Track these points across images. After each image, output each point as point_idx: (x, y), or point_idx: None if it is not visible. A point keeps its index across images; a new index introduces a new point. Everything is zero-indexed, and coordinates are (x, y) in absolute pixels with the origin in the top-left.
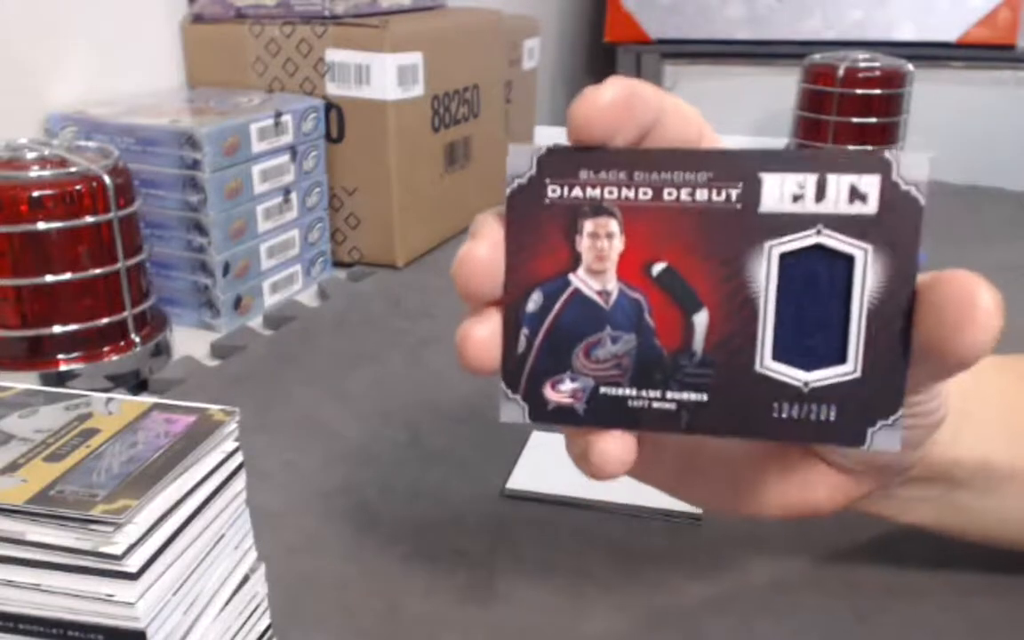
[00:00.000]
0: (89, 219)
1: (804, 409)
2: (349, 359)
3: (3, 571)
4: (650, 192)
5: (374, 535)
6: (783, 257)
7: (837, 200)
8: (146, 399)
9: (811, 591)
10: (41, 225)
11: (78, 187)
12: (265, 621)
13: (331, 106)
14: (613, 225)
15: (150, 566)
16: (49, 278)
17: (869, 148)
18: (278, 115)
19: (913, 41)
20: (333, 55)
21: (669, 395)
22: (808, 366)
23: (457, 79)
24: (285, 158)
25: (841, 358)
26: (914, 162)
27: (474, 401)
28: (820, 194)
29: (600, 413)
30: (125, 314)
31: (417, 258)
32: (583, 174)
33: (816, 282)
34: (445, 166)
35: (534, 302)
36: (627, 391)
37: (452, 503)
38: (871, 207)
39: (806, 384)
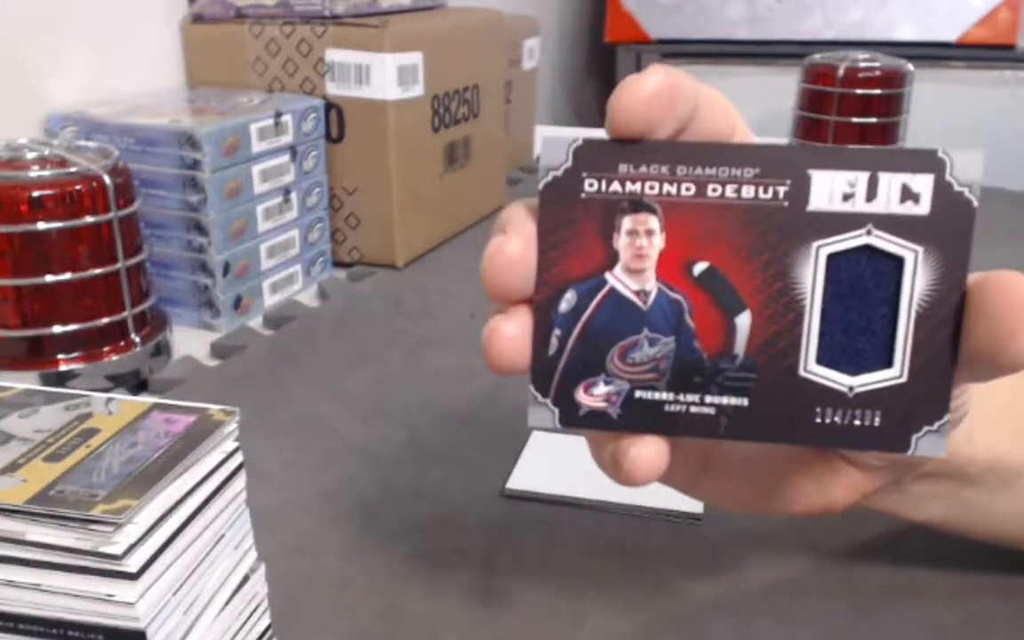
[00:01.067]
0: (89, 219)
1: (848, 414)
2: (349, 359)
3: (3, 571)
4: (693, 188)
5: (374, 535)
6: (831, 257)
7: (888, 200)
8: (146, 399)
9: (811, 591)
10: (41, 225)
11: (78, 187)
12: (265, 621)
13: (331, 106)
14: (653, 222)
15: (150, 566)
16: (49, 278)
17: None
18: (278, 115)
19: (913, 41)
20: (333, 55)
21: (708, 399)
22: (853, 371)
23: (457, 79)
24: (285, 158)
25: (887, 362)
26: (968, 161)
27: (474, 401)
28: (871, 193)
29: (635, 418)
30: (125, 314)
31: (417, 258)
32: (622, 168)
33: (864, 284)
34: (445, 166)
35: (567, 302)
36: (664, 395)
37: (452, 503)
38: (923, 208)
39: (851, 389)
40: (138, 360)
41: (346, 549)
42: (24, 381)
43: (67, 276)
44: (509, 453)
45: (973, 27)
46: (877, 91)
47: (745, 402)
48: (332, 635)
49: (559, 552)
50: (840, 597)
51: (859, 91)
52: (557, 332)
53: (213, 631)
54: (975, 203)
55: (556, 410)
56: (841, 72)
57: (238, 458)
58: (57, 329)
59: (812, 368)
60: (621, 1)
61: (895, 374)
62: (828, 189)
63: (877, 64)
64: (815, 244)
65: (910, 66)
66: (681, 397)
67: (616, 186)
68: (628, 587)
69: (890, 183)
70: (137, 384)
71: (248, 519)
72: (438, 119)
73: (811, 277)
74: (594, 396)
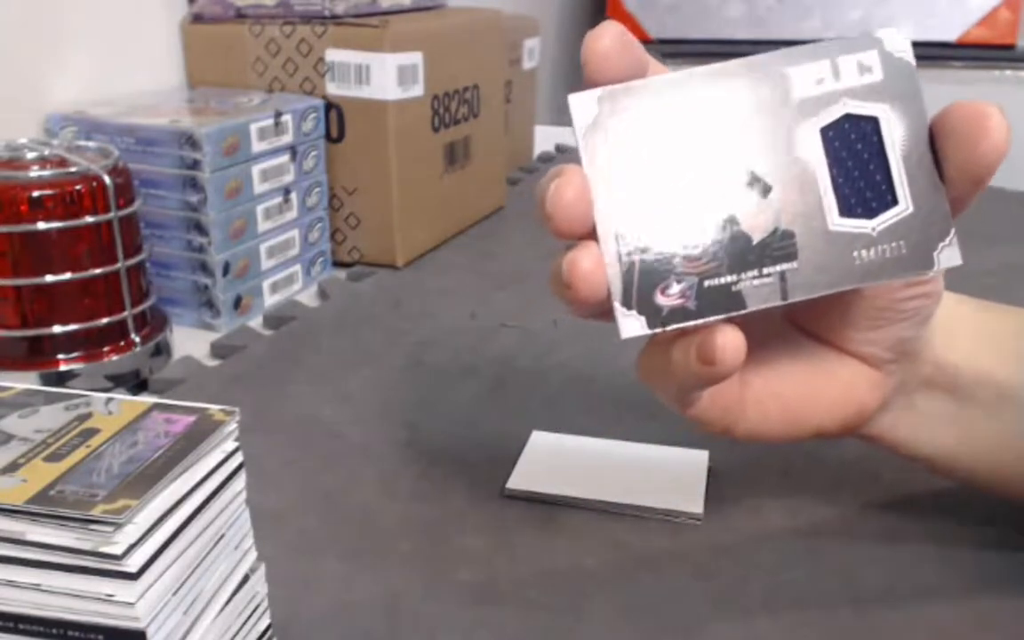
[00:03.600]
0: (89, 219)
1: (879, 250)
2: (349, 359)
3: (3, 571)
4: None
5: (374, 535)
6: (823, 131)
7: (850, 75)
8: (146, 399)
9: (811, 591)
10: (41, 225)
11: (78, 187)
12: (265, 621)
13: (331, 106)
14: None
15: (150, 566)
16: (49, 278)
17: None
18: (278, 115)
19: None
20: (333, 55)
21: (765, 270)
22: (870, 215)
23: (457, 79)
24: (285, 158)
25: (894, 201)
26: (894, 36)
27: (474, 401)
28: (836, 74)
29: (710, 303)
30: (125, 314)
31: (417, 258)
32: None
33: (854, 145)
34: (445, 166)
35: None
36: (728, 278)
37: (452, 503)
38: (877, 75)
39: (873, 229)
40: (138, 360)
41: (346, 549)
42: (24, 381)
43: (67, 276)
44: (509, 453)
45: (973, 27)
46: None
47: (795, 264)
48: (332, 635)
49: (559, 552)
50: (840, 597)
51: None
52: (625, 251)
53: (213, 631)
54: (912, 62)
55: (642, 317)
56: None
57: (238, 458)
58: (57, 329)
59: (838, 222)
60: (621, 1)
61: (903, 208)
62: (803, 79)
63: None
64: (809, 123)
65: None
66: (743, 275)
67: None
68: (628, 587)
69: (847, 63)
70: (137, 384)
71: (248, 519)
72: (438, 119)
73: (813, 150)
74: (671, 296)
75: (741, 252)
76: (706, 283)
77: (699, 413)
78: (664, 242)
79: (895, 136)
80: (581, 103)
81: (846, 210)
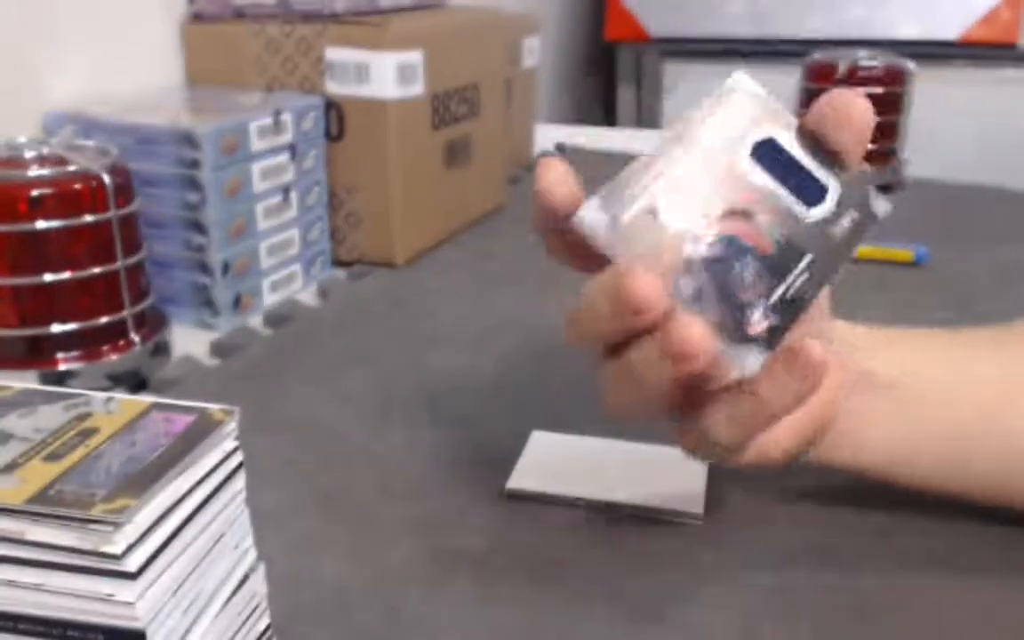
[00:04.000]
0: (88, 218)
1: (843, 223)
2: (349, 359)
3: (3, 571)
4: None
5: (374, 535)
6: (750, 158)
7: (737, 120)
8: (145, 399)
9: (811, 590)
10: (40, 224)
11: (77, 186)
12: (265, 621)
13: (331, 105)
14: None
15: (150, 566)
16: (48, 277)
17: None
18: (278, 114)
19: (914, 40)
20: (333, 54)
21: (795, 271)
22: (822, 200)
23: (457, 77)
24: (284, 157)
25: (825, 186)
26: (743, 79)
27: (474, 401)
28: (725, 123)
29: (786, 312)
30: (124, 313)
31: (417, 257)
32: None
33: (775, 158)
34: (445, 165)
35: (687, 288)
36: (781, 289)
37: (452, 503)
38: (751, 111)
39: (831, 210)
40: (137, 359)
41: (346, 549)
42: (23, 380)
43: (66, 275)
44: (509, 453)
45: (974, 26)
46: (878, 89)
47: (811, 255)
48: (332, 635)
49: (559, 552)
50: (840, 597)
51: (860, 89)
52: (698, 308)
53: (213, 631)
54: (763, 92)
55: (753, 348)
56: (842, 70)
57: (238, 458)
58: (56, 328)
59: (809, 214)
60: None
61: (835, 187)
62: (711, 134)
63: (878, 63)
64: (740, 156)
65: (911, 65)
66: (786, 280)
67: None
68: (628, 587)
69: (728, 113)
70: (136, 383)
71: (248, 519)
72: (438, 118)
73: (758, 175)
74: (758, 325)
75: (770, 266)
76: (771, 299)
77: (713, 427)
78: (723, 286)
79: (791, 142)
80: (589, 213)
81: (807, 203)
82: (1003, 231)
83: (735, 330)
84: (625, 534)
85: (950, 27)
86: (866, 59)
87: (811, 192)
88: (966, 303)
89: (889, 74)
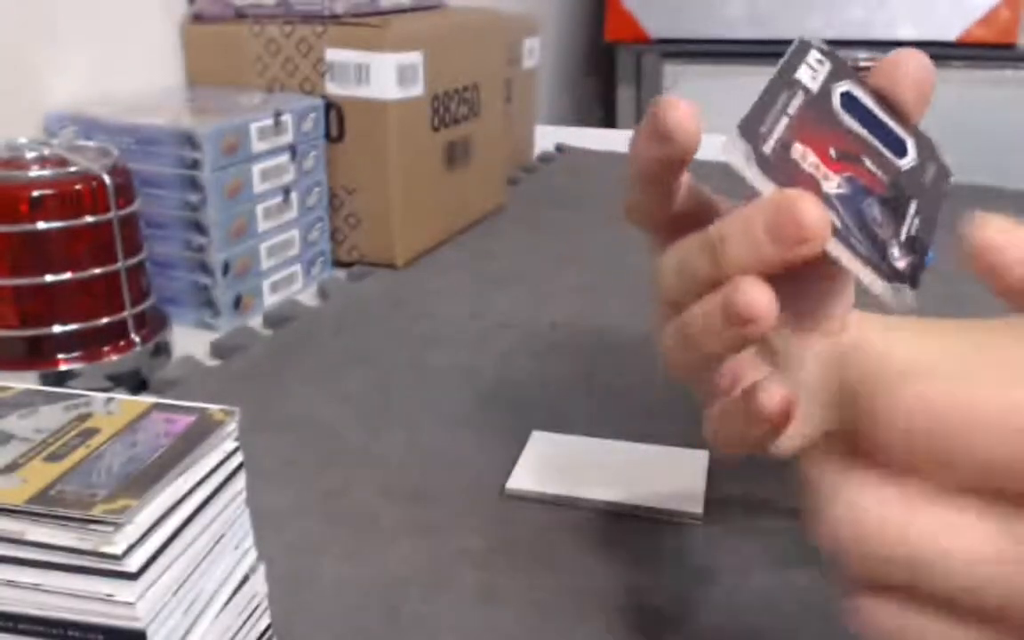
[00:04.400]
0: (89, 219)
1: (931, 170)
2: (349, 359)
3: (3, 571)
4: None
5: (374, 535)
6: (841, 103)
7: (814, 72)
8: (146, 399)
9: (812, 591)
10: (41, 225)
11: (78, 187)
12: (265, 621)
13: (331, 105)
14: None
15: (150, 566)
16: (49, 278)
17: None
18: (278, 115)
19: (914, 40)
20: (333, 54)
21: (910, 212)
22: (904, 155)
23: (457, 78)
24: (285, 158)
25: (904, 143)
26: (814, 40)
27: (474, 401)
28: (813, 73)
29: (919, 247)
30: (125, 314)
31: (417, 258)
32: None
33: (861, 111)
34: (445, 165)
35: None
36: (904, 230)
37: (452, 503)
38: (826, 67)
39: (912, 164)
40: (138, 360)
41: (346, 549)
42: (24, 381)
43: (67, 276)
44: (509, 453)
45: (973, 26)
46: None
47: (916, 200)
48: (332, 635)
49: (559, 552)
50: (841, 597)
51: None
52: (843, 242)
53: (213, 631)
54: (828, 60)
55: (901, 284)
56: None
57: (238, 458)
58: (57, 329)
59: (900, 163)
60: (621, 0)
61: (912, 141)
62: (805, 76)
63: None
64: (835, 100)
65: None
66: (907, 222)
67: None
68: (628, 587)
69: (807, 67)
70: (137, 384)
71: (248, 519)
72: (438, 119)
73: (852, 123)
74: (902, 260)
75: (891, 208)
76: (901, 239)
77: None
78: (861, 224)
79: (866, 97)
80: (734, 146)
81: (897, 154)
82: None
83: (882, 266)
84: (625, 534)
85: (949, 27)
86: (865, 60)
87: (895, 144)
88: (966, 303)
89: None
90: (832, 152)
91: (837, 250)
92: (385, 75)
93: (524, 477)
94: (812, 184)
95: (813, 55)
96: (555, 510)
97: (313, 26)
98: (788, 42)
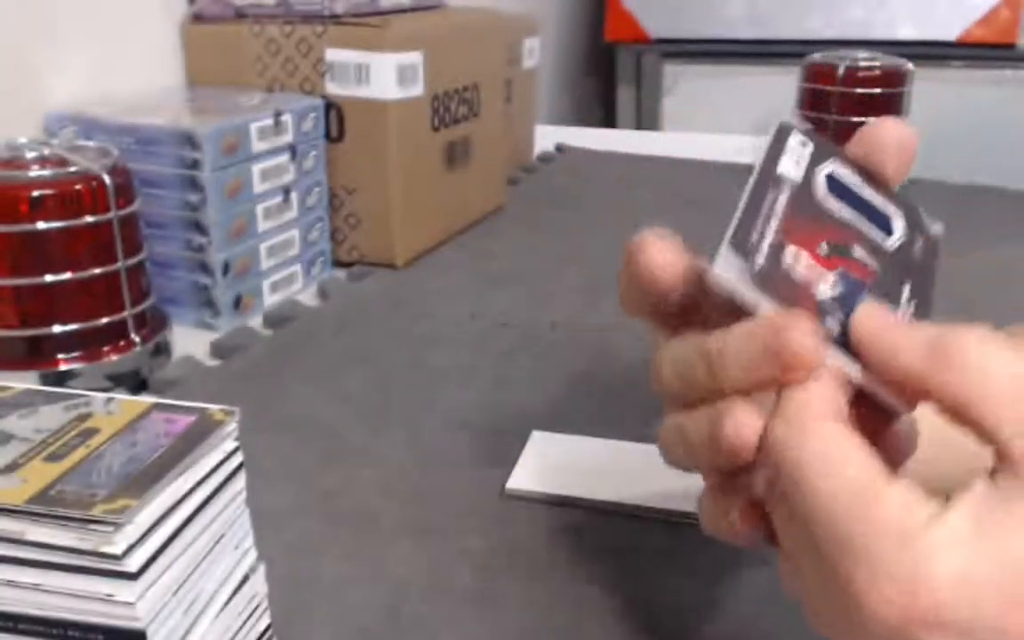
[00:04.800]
0: (89, 219)
1: (919, 241)
2: (349, 359)
3: (3, 571)
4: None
5: (374, 535)
6: (827, 188)
7: (795, 155)
8: (146, 399)
9: None
10: (41, 225)
11: (78, 187)
12: (265, 621)
13: (331, 105)
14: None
15: (150, 566)
16: (49, 278)
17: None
18: (278, 115)
19: (913, 40)
20: (333, 54)
21: (903, 297)
22: (891, 232)
23: (457, 78)
24: (285, 158)
25: (887, 215)
26: (796, 124)
27: (474, 401)
28: (797, 159)
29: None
30: (125, 314)
31: (417, 258)
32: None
33: (845, 191)
34: (445, 165)
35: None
36: (911, 303)
37: (452, 503)
38: (808, 147)
39: (901, 238)
40: (138, 360)
41: (346, 549)
42: (24, 381)
43: (67, 276)
44: (509, 453)
45: (973, 26)
46: (877, 90)
47: (909, 282)
48: (332, 635)
49: (559, 552)
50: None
51: (859, 90)
52: (842, 350)
53: (213, 631)
54: (811, 139)
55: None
56: (841, 71)
57: (238, 458)
58: (57, 329)
59: (888, 242)
60: (621, 0)
61: (897, 212)
62: (785, 166)
63: (877, 63)
64: (819, 182)
65: (910, 65)
66: (900, 309)
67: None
68: (627, 587)
69: (790, 152)
70: (137, 384)
71: (248, 519)
72: (438, 119)
73: (836, 205)
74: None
75: (883, 298)
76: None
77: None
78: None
79: (848, 174)
80: (723, 268)
81: (884, 233)
82: (1003, 231)
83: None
84: (625, 534)
85: (949, 27)
86: (865, 60)
87: (880, 221)
88: (966, 303)
89: (888, 75)
90: (823, 248)
91: (838, 361)
92: (385, 75)
93: (524, 477)
94: (807, 294)
95: (795, 138)
96: (555, 510)
97: (313, 26)
98: (788, 42)
